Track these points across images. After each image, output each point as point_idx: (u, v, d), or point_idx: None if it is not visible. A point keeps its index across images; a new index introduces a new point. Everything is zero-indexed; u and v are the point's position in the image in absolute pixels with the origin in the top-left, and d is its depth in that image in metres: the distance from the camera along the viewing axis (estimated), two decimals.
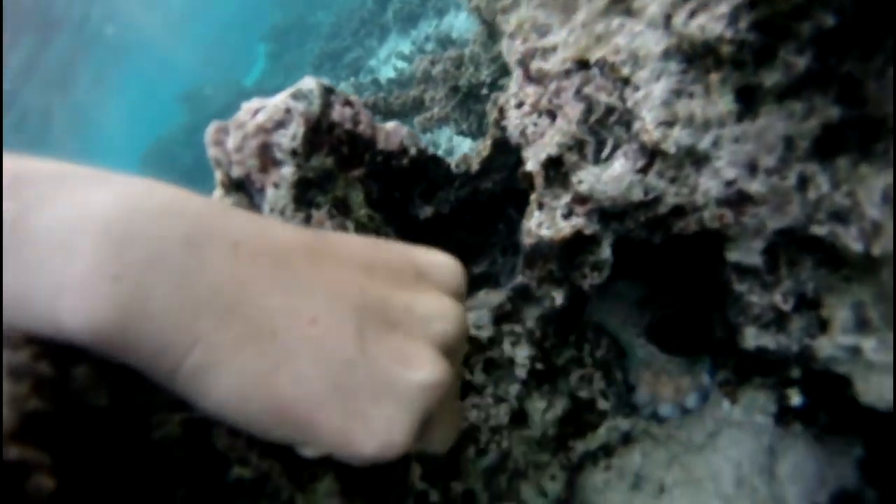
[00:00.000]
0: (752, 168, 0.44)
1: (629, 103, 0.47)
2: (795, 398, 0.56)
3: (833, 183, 0.42)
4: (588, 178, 0.49)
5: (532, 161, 0.53)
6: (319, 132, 0.56)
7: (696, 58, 0.43)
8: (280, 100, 0.56)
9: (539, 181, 0.53)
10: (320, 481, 0.35)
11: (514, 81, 0.57)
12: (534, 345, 0.61)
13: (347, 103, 0.59)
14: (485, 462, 0.56)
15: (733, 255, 0.49)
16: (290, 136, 0.55)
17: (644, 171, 0.47)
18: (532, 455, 0.59)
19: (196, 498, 0.33)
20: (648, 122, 0.45)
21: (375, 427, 0.28)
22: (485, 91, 1.44)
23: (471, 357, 0.59)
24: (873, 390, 0.47)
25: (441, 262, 0.35)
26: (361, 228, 0.57)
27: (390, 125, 0.62)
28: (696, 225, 0.48)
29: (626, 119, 0.48)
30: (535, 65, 0.53)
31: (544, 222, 0.53)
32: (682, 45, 0.43)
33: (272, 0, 9.79)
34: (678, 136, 0.44)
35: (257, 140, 0.55)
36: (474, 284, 0.70)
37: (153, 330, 0.26)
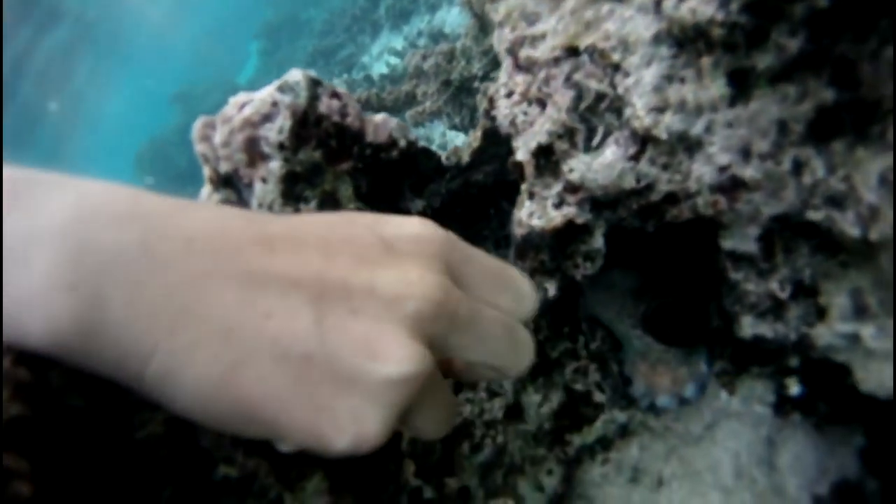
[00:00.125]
0: (745, 153, 0.43)
1: (620, 90, 0.46)
2: (794, 387, 0.55)
3: (828, 167, 0.41)
4: (579, 166, 0.48)
5: (522, 150, 0.52)
6: (307, 125, 0.56)
7: (687, 42, 0.42)
8: (267, 93, 0.56)
9: (529, 170, 0.52)
10: (309, 480, 0.34)
11: (504, 70, 0.56)
12: None
13: (335, 95, 0.58)
14: (480, 457, 0.55)
15: (728, 243, 0.49)
16: (276, 130, 0.54)
17: (636, 158, 0.46)
18: (528, 449, 0.58)
19: (182, 497, 0.32)
20: (639, 109, 0.44)
21: (343, 422, 0.27)
22: (477, 84, 1.43)
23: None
24: (873, 378, 0.46)
25: (409, 231, 0.32)
26: None
27: (379, 117, 0.61)
28: (689, 212, 0.48)
29: (617, 106, 0.47)
30: (524, 53, 0.52)
31: (535, 212, 0.52)
32: (673, 30, 0.42)
33: None
34: (670, 122, 0.43)
35: (244, 134, 0.54)
36: None
37: (112, 339, 0.26)
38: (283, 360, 0.27)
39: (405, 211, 0.69)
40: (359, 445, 0.27)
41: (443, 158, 0.70)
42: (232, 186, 0.58)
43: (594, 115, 0.48)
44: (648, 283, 0.65)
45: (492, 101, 0.61)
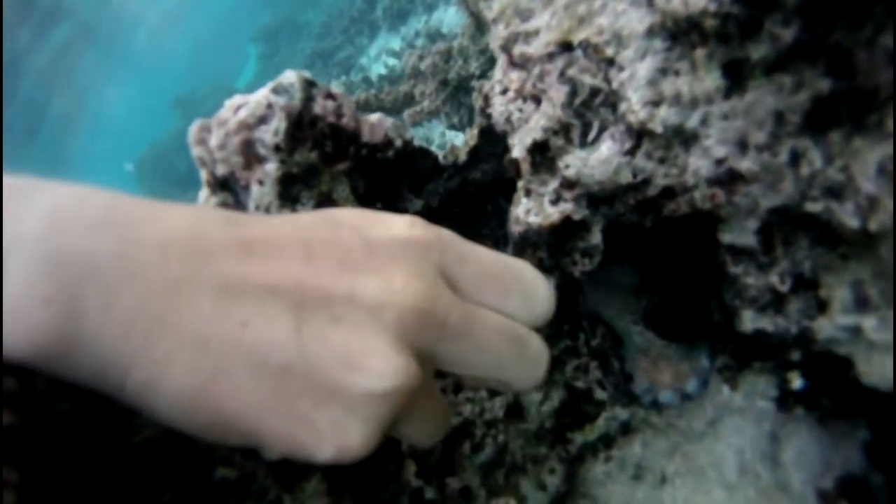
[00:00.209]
0: (742, 145, 0.42)
1: (614, 84, 0.45)
2: (796, 382, 0.55)
3: (826, 158, 0.41)
4: (575, 162, 0.48)
5: (518, 147, 0.52)
6: (302, 126, 0.55)
7: (680, 34, 0.41)
8: (261, 95, 0.55)
9: (525, 167, 0.52)
10: (308, 481, 0.34)
11: (499, 67, 0.56)
12: None
13: (330, 96, 0.58)
14: (481, 457, 0.55)
15: (727, 237, 0.48)
16: (272, 132, 0.54)
17: (632, 152, 0.46)
18: (530, 448, 0.58)
19: (181, 500, 0.32)
20: (634, 103, 0.44)
21: (324, 434, 0.26)
22: (474, 84, 1.43)
23: None
24: (875, 371, 0.46)
25: (397, 233, 0.30)
26: None
27: (374, 117, 0.61)
28: (687, 206, 0.47)
29: (612, 100, 0.46)
30: (518, 49, 0.51)
31: (532, 209, 0.52)
32: (666, 22, 0.41)
33: (261, 0, 9.78)
34: (665, 116, 0.43)
35: (240, 137, 0.54)
36: None
37: (92, 350, 0.25)
38: (261, 370, 0.26)
39: (403, 210, 0.68)
40: (342, 457, 0.26)
41: (440, 157, 0.70)
42: (229, 189, 0.58)
43: (589, 111, 0.48)
44: (649, 280, 0.65)
45: (487, 99, 0.61)
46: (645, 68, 0.43)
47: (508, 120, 0.53)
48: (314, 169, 0.56)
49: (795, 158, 0.42)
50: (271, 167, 0.54)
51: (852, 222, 0.41)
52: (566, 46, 0.48)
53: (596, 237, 0.52)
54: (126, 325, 0.25)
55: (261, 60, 8.07)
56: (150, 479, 0.31)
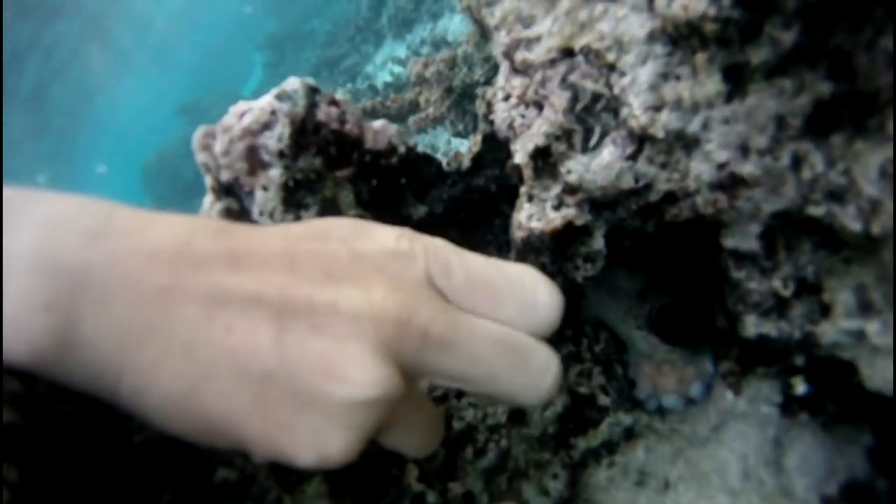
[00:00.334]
0: (743, 149, 0.42)
1: (616, 89, 0.46)
2: (800, 387, 0.55)
3: (828, 161, 0.41)
4: (577, 167, 0.48)
5: (520, 153, 0.52)
6: (306, 133, 0.56)
7: (681, 39, 0.42)
8: (265, 101, 0.56)
9: (528, 173, 0.52)
10: (308, 483, 0.34)
11: (501, 74, 0.56)
12: None
13: (333, 102, 0.58)
14: (484, 462, 0.55)
15: (729, 241, 0.48)
16: (276, 138, 0.54)
17: (633, 157, 0.46)
18: (532, 454, 0.57)
19: (182, 501, 0.32)
20: (636, 108, 0.44)
21: (304, 440, 0.26)
22: (479, 91, 1.43)
23: None
24: (879, 375, 0.46)
25: (383, 246, 0.29)
26: None
27: (378, 123, 0.61)
28: (689, 211, 0.47)
29: (614, 106, 0.47)
30: (520, 56, 0.52)
31: (534, 214, 0.52)
32: (667, 27, 0.42)
33: (266, 9, 9.83)
34: (666, 120, 0.43)
35: (244, 143, 0.55)
36: None
37: (87, 357, 0.26)
38: (243, 376, 0.26)
39: (407, 217, 0.69)
40: (323, 464, 0.26)
41: (444, 164, 0.70)
42: (233, 195, 0.58)
43: (591, 116, 0.48)
44: (652, 285, 0.64)
45: (490, 106, 0.61)
46: (646, 73, 0.44)
47: (511, 126, 0.54)
48: (318, 175, 0.56)
49: (797, 162, 0.42)
50: (275, 173, 0.54)
51: (854, 226, 0.41)
52: (568, 52, 0.48)
53: (598, 242, 0.52)
54: (118, 332, 0.26)
55: (267, 68, 8.11)
56: (151, 480, 0.31)
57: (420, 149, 0.65)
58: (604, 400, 0.61)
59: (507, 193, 0.71)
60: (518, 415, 0.58)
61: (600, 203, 0.50)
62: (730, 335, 0.57)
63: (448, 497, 0.51)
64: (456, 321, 0.28)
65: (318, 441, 0.26)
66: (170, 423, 0.27)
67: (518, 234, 0.54)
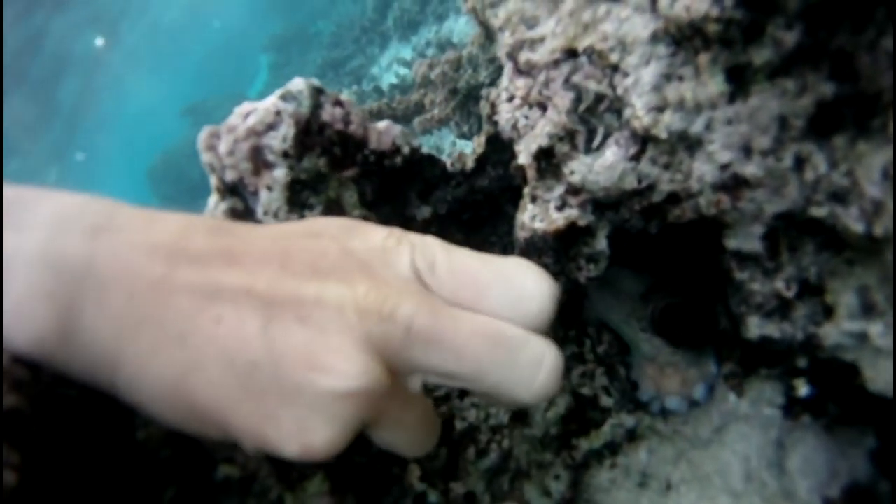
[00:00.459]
0: (746, 150, 0.42)
1: (619, 90, 0.46)
2: (803, 389, 0.54)
3: (830, 162, 0.41)
4: (580, 168, 0.48)
5: (524, 154, 0.52)
6: (310, 133, 0.56)
7: (683, 40, 0.42)
8: (270, 102, 0.56)
9: (531, 174, 0.52)
10: (310, 480, 0.34)
11: (505, 75, 0.56)
12: None
13: (338, 103, 0.59)
14: (486, 462, 0.55)
15: (732, 243, 0.48)
16: (280, 138, 0.54)
17: (636, 158, 0.46)
18: (534, 454, 0.57)
19: (184, 497, 0.32)
20: (639, 108, 0.44)
21: (288, 430, 0.26)
22: (484, 92, 1.43)
23: None
24: (881, 377, 0.46)
25: (372, 244, 0.30)
26: None
27: (382, 124, 0.61)
28: (692, 212, 0.47)
29: (617, 106, 0.47)
30: (524, 57, 0.52)
31: (538, 215, 0.52)
32: (670, 28, 0.42)
33: (272, 10, 9.85)
34: (669, 121, 0.43)
35: (249, 143, 0.55)
36: None
37: (85, 346, 0.27)
38: (231, 365, 0.27)
39: (411, 217, 0.69)
40: (307, 455, 0.27)
41: (448, 165, 0.70)
42: (238, 195, 0.59)
43: (594, 117, 0.48)
44: (656, 286, 0.64)
45: (494, 107, 0.62)
46: (649, 74, 0.44)
47: (515, 127, 0.54)
48: (322, 175, 0.57)
49: (800, 163, 0.42)
50: (280, 173, 0.55)
51: (857, 227, 0.41)
52: (571, 53, 0.49)
53: (601, 243, 0.52)
54: (116, 323, 0.27)
55: (272, 70, 8.13)
56: (154, 476, 0.31)
57: (425, 150, 0.65)
58: (606, 401, 0.61)
59: (511, 194, 0.72)
60: (520, 415, 0.58)
61: (603, 204, 0.50)
62: (732, 337, 0.57)
63: (450, 497, 0.51)
64: (439, 314, 0.28)
65: (302, 432, 0.26)
66: (163, 412, 0.28)
67: (521, 235, 0.54)
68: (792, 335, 0.49)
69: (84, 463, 0.29)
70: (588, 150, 0.48)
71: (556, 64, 0.50)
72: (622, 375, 0.63)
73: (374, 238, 0.30)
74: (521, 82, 0.53)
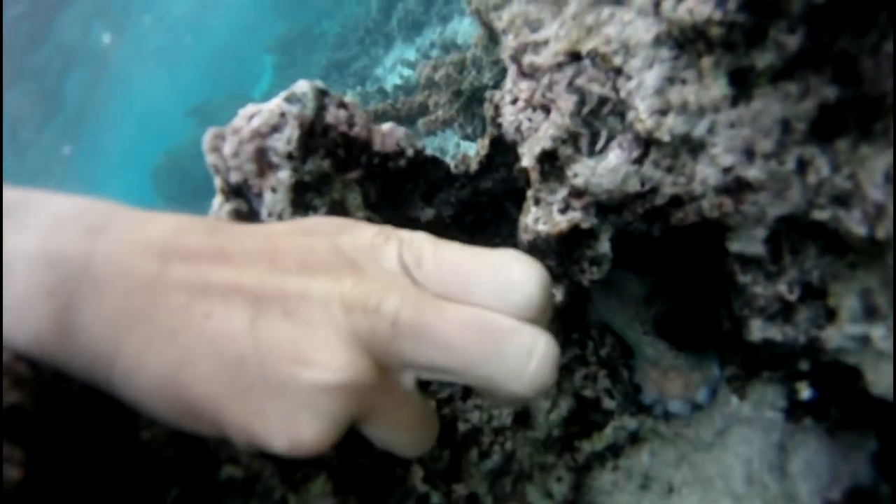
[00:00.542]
0: (749, 153, 0.43)
1: (622, 93, 0.46)
2: (805, 392, 0.54)
3: (833, 165, 0.41)
4: (583, 170, 0.48)
5: (527, 156, 0.52)
6: (314, 135, 0.56)
7: (686, 43, 0.42)
8: (274, 104, 0.56)
9: (534, 176, 0.52)
10: (313, 481, 0.35)
11: (509, 77, 0.56)
12: None
13: (342, 105, 0.59)
14: (488, 464, 0.55)
15: (735, 245, 0.48)
16: (285, 140, 0.55)
17: (639, 161, 0.46)
18: (537, 456, 0.58)
19: (187, 497, 0.32)
20: (642, 111, 0.44)
21: (276, 425, 0.27)
22: (487, 94, 1.43)
23: None
24: (883, 381, 0.46)
25: (361, 241, 0.30)
26: None
27: (386, 126, 0.61)
28: (694, 215, 0.47)
29: (620, 109, 0.47)
30: (528, 59, 0.52)
31: (541, 218, 0.52)
32: (673, 31, 0.42)
33: (276, 11, 9.86)
34: (672, 124, 0.43)
35: (253, 145, 0.55)
36: None
37: (83, 343, 0.28)
38: (220, 359, 0.27)
39: (415, 219, 0.69)
40: (295, 450, 0.27)
41: (452, 167, 0.70)
42: (242, 196, 0.59)
43: (597, 120, 0.48)
44: (659, 289, 0.65)
45: (497, 109, 0.62)
46: (652, 77, 0.44)
47: (518, 129, 0.54)
48: (326, 177, 0.57)
49: (802, 166, 0.42)
50: (284, 175, 0.55)
51: (859, 230, 0.41)
52: (574, 56, 0.49)
53: (604, 246, 0.53)
54: (112, 319, 0.28)
55: (277, 70, 8.14)
56: (157, 476, 0.31)
57: (429, 152, 0.66)
58: (609, 403, 0.61)
59: (514, 196, 0.72)
60: (523, 417, 0.58)
61: (606, 206, 0.50)
62: (735, 339, 0.57)
63: (452, 498, 0.51)
64: (425, 307, 0.27)
65: (290, 426, 0.26)
66: (157, 408, 0.28)
67: (524, 237, 0.54)
68: (794, 338, 0.49)
69: (88, 462, 0.29)
70: (591, 152, 0.48)
71: (559, 67, 0.50)
72: (625, 378, 0.63)
73: (364, 235, 0.30)
74: (525, 85, 0.53)
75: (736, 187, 0.45)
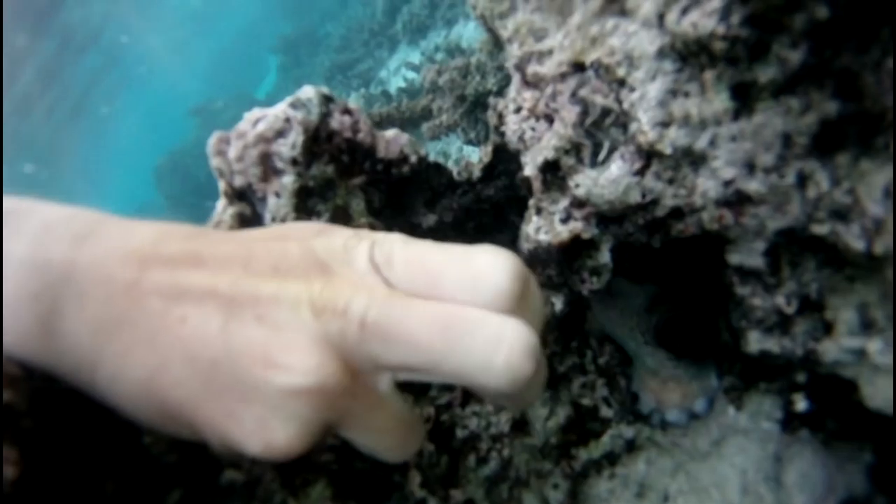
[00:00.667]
0: (750, 167, 0.43)
1: (625, 105, 0.46)
2: (801, 403, 0.55)
3: (833, 180, 0.41)
4: (585, 181, 0.49)
5: (530, 166, 0.53)
6: (319, 141, 0.57)
7: (689, 56, 0.42)
8: (280, 109, 0.57)
9: (537, 186, 0.52)
10: (313, 486, 0.35)
11: (513, 86, 0.57)
12: None
13: (346, 111, 0.59)
14: (486, 470, 0.55)
15: (734, 258, 0.49)
16: (289, 145, 0.55)
17: (641, 172, 0.47)
18: (534, 463, 0.58)
19: (189, 501, 0.33)
20: (644, 123, 0.45)
21: (249, 428, 0.27)
22: (491, 100, 1.44)
23: None
24: (880, 394, 0.46)
25: (335, 244, 0.29)
26: None
27: (390, 133, 0.62)
28: (695, 227, 0.48)
29: (623, 121, 0.47)
30: (532, 69, 0.52)
31: (542, 227, 0.52)
32: (676, 44, 0.42)
33: (281, 12, 9.88)
34: (674, 137, 0.44)
35: (258, 149, 0.55)
36: None
37: (68, 348, 0.28)
38: (194, 363, 0.27)
39: (417, 225, 0.69)
40: (269, 453, 0.27)
41: (454, 174, 0.71)
42: (246, 200, 0.59)
43: (600, 131, 0.48)
44: (659, 299, 0.65)
45: (501, 117, 0.62)
46: (655, 89, 0.44)
47: (521, 138, 0.54)
48: (330, 183, 0.57)
49: (802, 180, 0.43)
50: (288, 180, 0.55)
51: (857, 245, 0.41)
52: (578, 67, 0.49)
53: (605, 256, 0.53)
54: (94, 324, 0.28)
55: (281, 71, 8.14)
56: (159, 480, 0.32)
57: (432, 156, 0.66)
58: (606, 412, 0.61)
59: (516, 204, 0.72)
60: (520, 424, 0.58)
61: (607, 217, 0.51)
62: (733, 350, 0.57)
63: None
64: (392, 306, 0.27)
65: (263, 430, 0.26)
66: (138, 412, 0.29)
67: (526, 246, 0.54)
68: (791, 350, 0.49)
69: (90, 466, 0.29)
70: (593, 163, 0.49)
71: (563, 77, 0.50)
72: (622, 387, 0.63)
73: (338, 238, 0.30)
74: (529, 94, 0.54)
75: (736, 200, 0.45)
